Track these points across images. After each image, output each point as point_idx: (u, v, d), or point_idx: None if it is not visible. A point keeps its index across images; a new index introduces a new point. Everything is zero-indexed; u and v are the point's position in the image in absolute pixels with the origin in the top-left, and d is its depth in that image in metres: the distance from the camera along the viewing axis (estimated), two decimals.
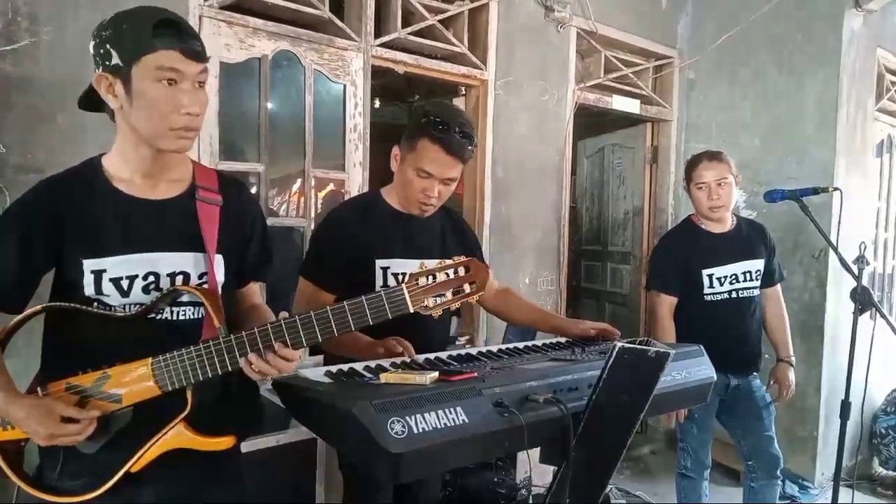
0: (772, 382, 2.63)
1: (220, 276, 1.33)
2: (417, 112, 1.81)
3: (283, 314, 1.22)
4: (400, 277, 1.81)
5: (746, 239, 2.62)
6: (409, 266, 1.81)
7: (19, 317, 1.29)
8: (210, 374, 1.21)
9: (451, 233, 2.00)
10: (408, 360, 1.63)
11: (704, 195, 2.52)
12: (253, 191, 2.55)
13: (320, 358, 2.66)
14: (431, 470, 1.46)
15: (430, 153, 1.74)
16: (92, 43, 1.21)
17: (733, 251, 2.57)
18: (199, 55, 1.21)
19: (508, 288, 2.20)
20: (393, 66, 2.96)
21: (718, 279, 2.54)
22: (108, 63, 1.18)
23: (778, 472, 2.61)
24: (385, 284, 1.80)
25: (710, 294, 2.53)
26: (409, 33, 2.94)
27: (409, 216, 1.88)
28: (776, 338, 2.67)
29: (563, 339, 2.00)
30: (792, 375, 2.61)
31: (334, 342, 1.70)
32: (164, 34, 1.17)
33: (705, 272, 2.52)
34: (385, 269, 1.81)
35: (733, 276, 2.54)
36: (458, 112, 1.83)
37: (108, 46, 1.18)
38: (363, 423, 1.18)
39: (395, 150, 1.83)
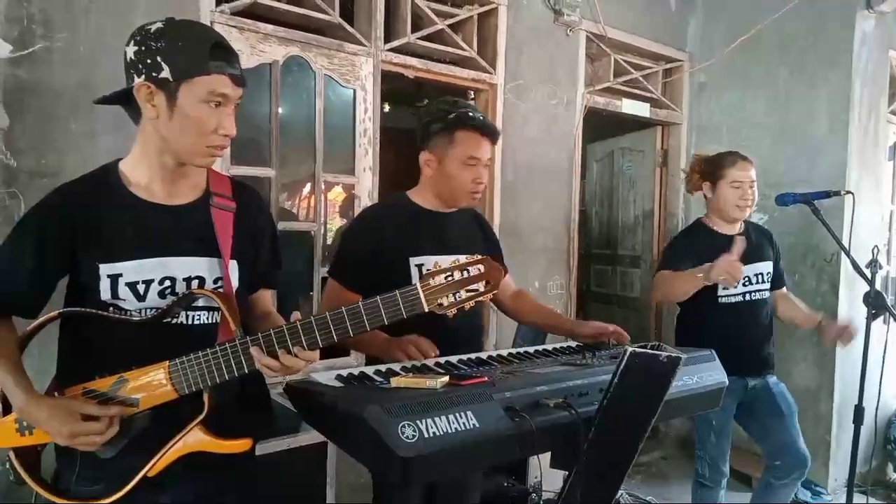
0: (833, 337, 2.50)
1: (234, 282, 1.34)
2: (437, 111, 1.87)
3: (296, 314, 1.23)
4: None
5: (756, 242, 2.61)
6: (444, 262, 1.83)
7: (36, 322, 1.30)
8: (227, 376, 1.21)
9: (477, 230, 2.06)
10: (419, 363, 1.63)
11: (738, 193, 2.50)
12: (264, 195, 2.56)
13: (331, 362, 2.67)
14: (442, 474, 1.46)
15: (473, 140, 1.83)
16: (133, 48, 1.21)
17: (745, 253, 2.55)
18: (243, 81, 1.25)
19: (523, 291, 2.24)
20: (403, 71, 2.97)
21: None
22: (154, 74, 1.19)
23: (804, 472, 2.54)
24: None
25: (724, 296, 2.50)
26: (419, 38, 2.95)
27: (438, 214, 1.92)
28: (801, 316, 2.64)
29: (573, 344, 2.00)
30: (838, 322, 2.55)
31: (356, 340, 1.70)
32: (218, 57, 1.20)
33: None
34: (420, 267, 1.83)
35: (746, 279, 2.52)
36: (467, 101, 1.92)
37: (158, 59, 1.18)
38: (374, 427, 1.18)
39: (427, 156, 1.88)
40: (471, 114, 1.85)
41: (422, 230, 1.89)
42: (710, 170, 2.58)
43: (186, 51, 1.19)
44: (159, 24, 1.22)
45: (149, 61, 1.19)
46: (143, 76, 1.19)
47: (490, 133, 1.87)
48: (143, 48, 1.20)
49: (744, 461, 3.26)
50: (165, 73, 1.18)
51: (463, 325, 1.89)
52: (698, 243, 2.55)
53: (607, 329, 1.96)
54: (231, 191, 1.40)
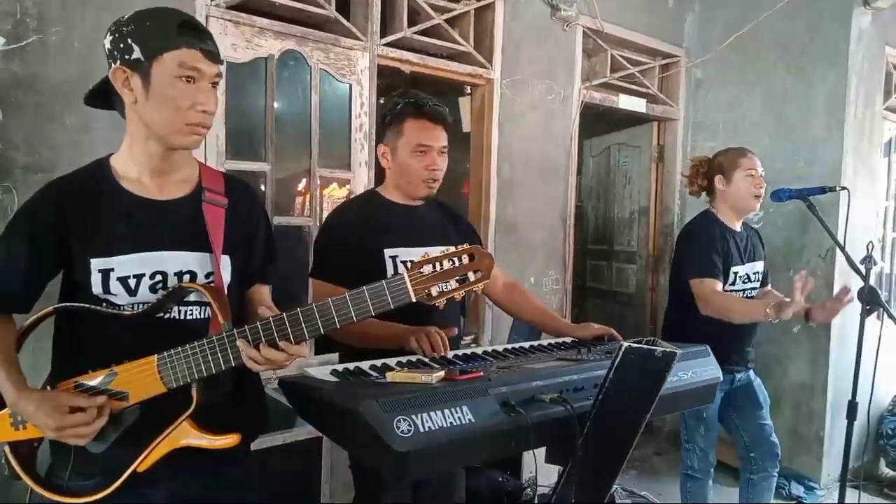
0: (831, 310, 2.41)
1: (226, 277, 1.34)
2: (390, 105, 1.91)
3: (272, 308, 1.22)
4: (408, 265, 1.83)
5: (753, 241, 2.65)
6: (416, 254, 1.83)
7: (33, 318, 1.30)
8: (214, 370, 1.21)
9: (449, 222, 2.06)
10: (414, 359, 1.63)
11: (752, 182, 2.52)
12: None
13: (326, 357, 2.67)
14: (438, 469, 1.46)
15: (421, 128, 1.85)
16: (109, 38, 1.23)
17: (747, 251, 2.59)
18: (216, 57, 1.25)
19: (516, 283, 2.23)
20: (399, 66, 2.96)
21: (741, 277, 2.55)
22: (127, 57, 1.21)
23: (777, 463, 2.62)
24: (396, 273, 1.81)
25: (728, 292, 2.50)
26: (415, 32, 2.94)
27: (408, 207, 1.94)
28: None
29: (568, 339, 2.00)
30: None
31: (358, 335, 1.70)
32: (187, 34, 1.21)
33: (732, 269, 2.52)
34: (394, 258, 1.84)
35: (745, 277, 2.56)
36: (420, 92, 1.95)
37: (129, 41, 1.20)
38: (369, 421, 1.18)
39: (382, 149, 1.92)
40: (418, 102, 1.85)
41: (393, 223, 1.90)
42: (721, 164, 2.58)
43: (155, 29, 1.21)
44: (128, 14, 1.25)
45: (122, 45, 1.21)
46: (119, 61, 1.22)
47: (438, 119, 1.87)
48: (116, 36, 1.23)
49: (733, 454, 3.26)
50: (137, 53, 1.20)
51: (443, 321, 1.88)
52: (718, 241, 2.51)
53: (602, 331, 1.96)
54: (224, 186, 1.39)
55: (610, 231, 4.75)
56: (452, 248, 1.17)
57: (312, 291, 1.91)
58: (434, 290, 1.14)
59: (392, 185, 1.95)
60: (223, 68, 1.30)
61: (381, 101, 2.89)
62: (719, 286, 2.43)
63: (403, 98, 1.88)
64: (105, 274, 1.24)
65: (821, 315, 2.44)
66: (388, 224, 1.89)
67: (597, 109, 3.84)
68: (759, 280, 2.62)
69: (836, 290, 3.41)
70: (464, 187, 3.77)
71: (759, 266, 2.61)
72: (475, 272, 1.16)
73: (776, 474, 2.65)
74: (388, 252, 1.84)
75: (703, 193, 2.68)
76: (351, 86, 2.79)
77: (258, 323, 1.19)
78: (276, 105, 2.65)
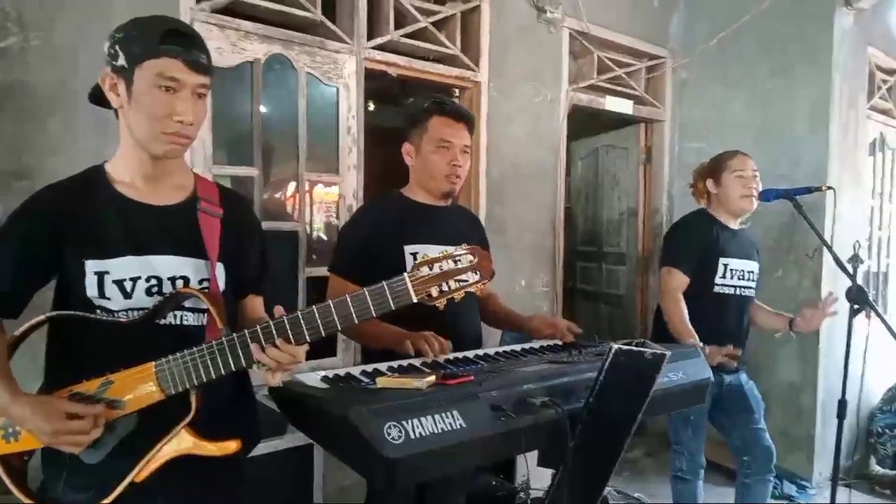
0: (816, 319, 2.55)
1: (221, 284, 1.33)
2: (415, 105, 2.01)
3: (278, 308, 1.22)
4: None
5: (750, 240, 2.67)
6: (437, 252, 1.83)
7: (25, 327, 1.28)
8: (213, 375, 1.20)
9: (469, 227, 2.12)
10: (405, 363, 1.62)
11: (741, 182, 2.53)
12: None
13: (316, 363, 2.66)
14: (429, 476, 1.45)
15: (444, 125, 1.92)
16: (107, 43, 1.25)
17: (743, 248, 2.61)
18: (200, 67, 1.24)
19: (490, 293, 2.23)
20: (386, 69, 2.95)
21: (731, 270, 2.55)
22: (114, 63, 1.22)
23: (772, 467, 2.61)
24: None
25: (720, 284, 2.52)
26: (402, 35, 2.94)
27: (431, 206, 1.99)
28: (775, 318, 2.69)
29: (559, 342, 2.00)
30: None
31: (360, 333, 1.79)
32: (171, 43, 1.21)
33: (722, 260, 2.53)
34: (414, 255, 1.86)
35: (740, 273, 2.56)
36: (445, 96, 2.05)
37: (117, 47, 1.22)
38: (360, 428, 1.17)
39: (407, 147, 1.98)
40: (443, 101, 1.96)
41: (415, 221, 1.94)
42: (712, 167, 2.63)
43: (140, 37, 1.21)
44: (129, 20, 1.25)
45: (112, 51, 1.23)
46: (109, 67, 1.23)
47: (462, 117, 1.95)
48: (110, 41, 1.24)
49: (726, 456, 3.27)
50: (121, 60, 1.21)
51: (463, 322, 1.89)
52: (699, 236, 2.56)
53: (551, 326, 2.00)
54: (219, 197, 1.39)
55: (599, 233, 4.76)
56: (452, 249, 1.18)
57: (329, 285, 1.94)
58: (434, 291, 1.15)
59: (415, 183, 2.00)
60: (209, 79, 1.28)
61: (371, 108, 2.89)
62: (683, 282, 2.49)
63: (431, 97, 1.98)
64: (100, 277, 1.23)
65: (804, 324, 2.54)
66: (410, 221, 1.92)
67: (584, 111, 3.85)
68: (754, 280, 2.62)
69: (823, 289, 3.46)
70: None
71: (752, 265, 2.61)
72: (474, 273, 1.17)
73: (771, 478, 2.64)
74: (408, 248, 1.86)
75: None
76: (338, 89, 2.78)
77: (259, 327, 1.19)
78: (262, 110, 2.63)
